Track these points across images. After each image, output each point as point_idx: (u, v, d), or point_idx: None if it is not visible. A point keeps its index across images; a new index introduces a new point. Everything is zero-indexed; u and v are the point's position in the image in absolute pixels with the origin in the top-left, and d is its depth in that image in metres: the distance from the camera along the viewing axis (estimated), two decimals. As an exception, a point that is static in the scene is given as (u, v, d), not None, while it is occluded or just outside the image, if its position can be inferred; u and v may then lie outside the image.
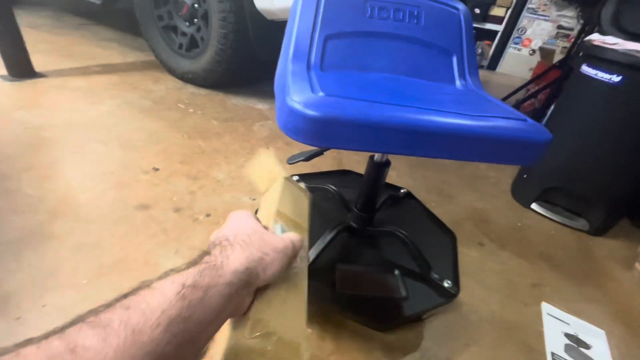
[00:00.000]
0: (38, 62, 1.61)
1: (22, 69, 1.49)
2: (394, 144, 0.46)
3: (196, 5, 1.63)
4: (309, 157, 0.71)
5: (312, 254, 0.66)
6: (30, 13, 2.56)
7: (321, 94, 0.45)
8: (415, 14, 0.69)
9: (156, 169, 1.06)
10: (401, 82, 0.64)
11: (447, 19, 0.72)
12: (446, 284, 0.67)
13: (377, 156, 0.69)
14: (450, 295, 0.66)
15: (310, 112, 0.40)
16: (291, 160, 0.72)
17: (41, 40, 2.02)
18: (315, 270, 0.66)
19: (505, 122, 0.51)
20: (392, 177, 1.32)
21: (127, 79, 1.72)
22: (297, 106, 0.41)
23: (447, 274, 0.72)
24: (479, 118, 0.50)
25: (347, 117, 0.42)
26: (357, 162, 1.36)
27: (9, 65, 1.46)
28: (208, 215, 0.92)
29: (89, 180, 0.96)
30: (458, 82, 0.71)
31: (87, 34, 2.34)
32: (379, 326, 0.69)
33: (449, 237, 0.85)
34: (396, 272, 0.70)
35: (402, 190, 0.98)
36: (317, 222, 0.80)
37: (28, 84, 1.45)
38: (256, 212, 0.58)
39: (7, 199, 0.85)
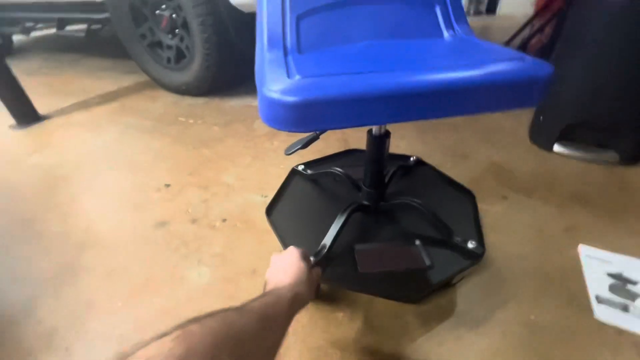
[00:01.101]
0: (41, 105, 1.66)
1: (27, 116, 1.54)
2: (385, 114, 0.43)
3: (174, 15, 1.62)
4: (306, 144, 0.70)
5: (328, 239, 0.65)
6: (24, 60, 2.64)
7: (298, 77, 0.43)
8: (388, -29, 0.65)
9: (167, 185, 1.08)
10: (386, 46, 0.61)
11: (422, -31, 0.67)
12: (470, 245, 0.65)
13: (374, 129, 0.66)
14: (476, 256, 0.64)
15: (288, 99, 0.39)
16: (288, 151, 0.70)
17: (40, 83, 2.08)
18: (335, 255, 0.66)
19: (501, 64, 0.47)
20: (402, 146, 1.28)
21: (125, 103, 1.75)
22: (274, 95, 0.39)
23: (470, 234, 0.69)
24: (471, 67, 0.46)
25: (328, 96, 0.40)
26: (361, 138, 1.33)
27: (14, 115, 1.52)
28: (224, 221, 0.93)
29: (107, 209, 1.00)
30: (446, 34, 0.66)
31: (82, 68, 2.39)
32: (409, 299, 0.68)
33: (468, 196, 0.82)
34: (417, 242, 0.68)
35: (412, 159, 0.95)
36: (330, 207, 0.79)
37: (35, 128, 1.51)
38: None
39: (38, 241, 0.89)
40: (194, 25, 1.52)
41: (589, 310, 0.69)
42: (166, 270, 0.79)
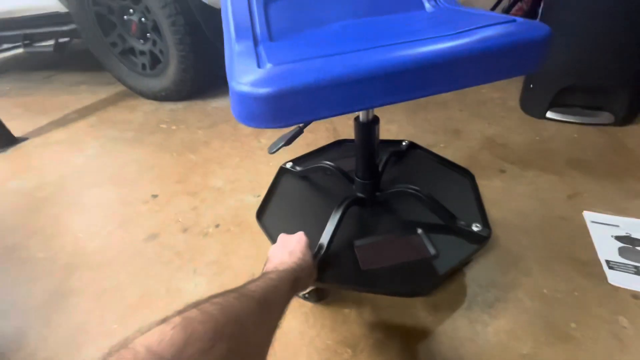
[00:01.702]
0: (16, 127, 1.59)
1: (1, 140, 1.48)
2: (371, 96, 0.39)
3: (143, 19, 1.55)
4: (290, 140, 0.64)
5: (325, 238, 0.61)
6: (-5, 83, 2.54)
7: (269, 65, 0.39)
8: (358, -58, 0.60)
9: (155, 196, 1.04)
10: (364, 24, 0.57)
11: (395, -63, 0.63)
12: (475, 227, 0.62)
13: (361, 116, 0.62)
14: (482, 239, 0.61)
15: (260, 90, 0.34)
16: (272, 149, 0.65)
17: (13, 104, 2.00)
18: (334, 255, 0.62)
19: (493, 29, 0.43)
20: (392, 131, 1.25)
21: (103, 116, 1.68)
22: (244, 88, 0.35)
23: (473, 217, 0.66)
24: (461, 35, 0.42)
25: (304, 83, 0.35)
26: (352, 127, 1.29)
27: (-12, 140, 1.45)
28: (217, 226, 0.89)
29: (93, 227, 0.95)
30: (427, 5, 0.62)
31: (55, 85, 2.30)
32: (419, 293, 0.65)
33: (467, 176, 0.78)
34: (419, 231, 0.64)
35: (404, 143, 0.91)
36: (324, 204, 0.75)
37: (12, 152, 1.44)
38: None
39: (21, 269, 0.85)
40: (165, 27, 1.46)
41: (601, 276, 0.67)
42: (161, 284, 0.75)
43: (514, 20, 0.44)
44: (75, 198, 1.10)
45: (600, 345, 0.56)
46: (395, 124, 1.29)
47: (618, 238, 0.74)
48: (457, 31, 0.44)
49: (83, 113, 1.76)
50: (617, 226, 0.76)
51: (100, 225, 0.96)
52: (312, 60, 0.38)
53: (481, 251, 0.72)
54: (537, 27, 0.42)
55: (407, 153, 0.90)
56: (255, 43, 0.50)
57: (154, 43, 1.59)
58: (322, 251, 0.60)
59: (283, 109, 0.35)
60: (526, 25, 0.43)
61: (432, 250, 0.60)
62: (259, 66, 0.39)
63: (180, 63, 1.54)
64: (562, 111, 1.17)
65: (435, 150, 0.90)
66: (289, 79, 0.35)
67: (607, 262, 0.69)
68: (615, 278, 0.66)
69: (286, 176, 0.87)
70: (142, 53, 1.66)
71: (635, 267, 0.67)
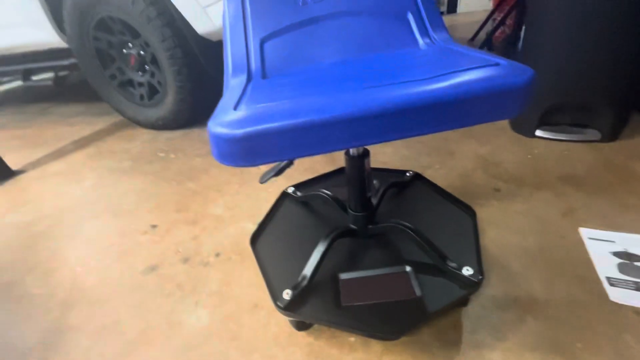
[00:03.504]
0: (12, 160, 1.60)
1: (-2, 173, 1.48)
2: (341, 139, 0.38)
3: (142, 52, 1.60)
4: (280, 171, 0.64)
5: (309, 269, 0.60)
6: (-7, 116, 2.56)
7: (243, 107, 0.40)
8: (351, -17, 0.64)
9: (154, 226, 1.04)
10: (354, 63, 0.59)
11: (387, -23, 0.67)
12: (466, 271, 0.59)
13: (351, 149, 0.63)
14: (472, 284, 0.58)
15: (229, 132, 0.35)
16: (262, 180, 0.64)
17: (10, 137, 2.01)
18: (316, 287, 0.60)
19: (476, 73, 0.41)
20: (388, 153, 1.27)
21: (101, 146, 1.70)
22: (216, 129, 0.36)
23: (467, 259, 0.63)
24: (442, 78, 0.41)
25: (270, 128, 0.36)
26: (348, 150, 1.32)
27: (-16, 174, 1.45)
28: (218, 255, 0.89)
29: (91, 261, 0.94)
30: (422, 42, 0.65)
31: (53, 116, 2.33)
32: (394, 336, 0.60)
33: (468, 213, 0.76)
34: (408, 269, 0.63)
35: (407, 174, 0.91)
36: (318, 233, 0.73)
37: (8, 185, 1.44)
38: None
39: (18, 306, 0.83)
40: (164, 59, 1.50)
41: (603, 294, 0.67)
42: (161, 318, 0.74)
43: (498, 64, 0.43)
44: (72, 231, 1.09)
45: (608, 365, 0.56)
46: (390, 147, 1.32)
47: (616, 254, 0.75)
48: (439, 74, 0.43)
49: (80, 144, 1.77)
50: (614, 242, 0.78)
51: (99, 258, 0.95)
52: (285, 104, 0.39)
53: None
54: (520, 72, 0.40)
55: (411, 184, 0.89)
56: (249, 79, 0.53)
57: (152, 75, 1.63)
58: (305, 282, 0.58)
59: (252, 150, 0.36)
60: (509, 69, 0.41)
61: (417, 291, 0.58)
62: (235, 108, 0.40)
63: (177, 93, 1.58)
64: (551, 129, 1.21)
65: (430, 171, 0.92)
66: (257, 123, 0.36)
67: (608, 279, 0.70)
68: (617, 295, 0.66)
69: (287, 201, 0.87)
70: (141, 84, 1.70)
71: (635, 282, 0.68)
